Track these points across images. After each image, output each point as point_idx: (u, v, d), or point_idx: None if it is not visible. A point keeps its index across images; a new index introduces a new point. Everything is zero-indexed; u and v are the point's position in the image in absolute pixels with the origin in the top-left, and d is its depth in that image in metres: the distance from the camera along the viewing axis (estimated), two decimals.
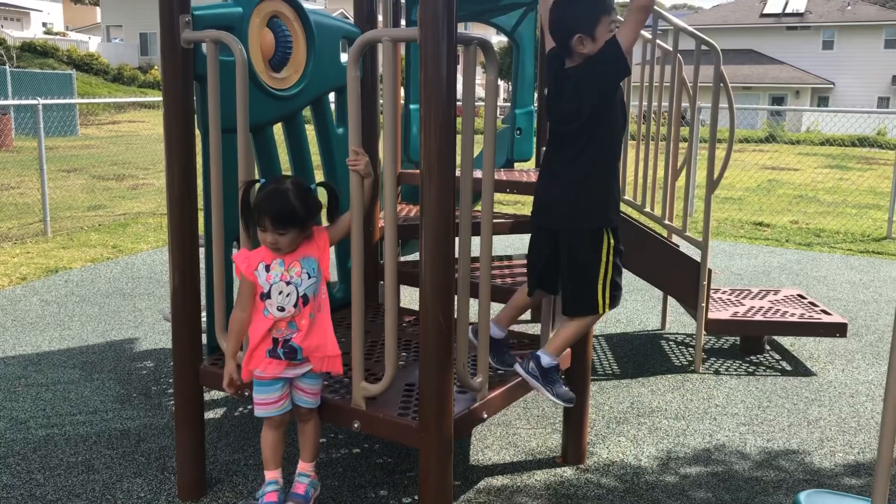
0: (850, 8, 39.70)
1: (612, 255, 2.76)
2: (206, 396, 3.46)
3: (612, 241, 2.75)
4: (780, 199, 12.06)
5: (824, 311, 4.71)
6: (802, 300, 4.96)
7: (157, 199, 10.56)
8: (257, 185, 2.68)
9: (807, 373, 4.52)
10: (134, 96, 30.54)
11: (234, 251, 3.07)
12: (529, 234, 2.98)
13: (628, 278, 6.36)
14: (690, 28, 4.40)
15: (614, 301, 2.80)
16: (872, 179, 14.31)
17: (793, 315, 4.58)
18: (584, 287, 2.77)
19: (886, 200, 9.84)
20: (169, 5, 2.70)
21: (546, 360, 2.82)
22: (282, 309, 2.57)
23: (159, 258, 7.14)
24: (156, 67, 38.07)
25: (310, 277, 2.60)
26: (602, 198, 2.75)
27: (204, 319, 3.05)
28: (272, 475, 2.75)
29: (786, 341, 5.03)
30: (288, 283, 2.57)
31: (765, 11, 41.92)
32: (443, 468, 2.48)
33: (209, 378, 2.95)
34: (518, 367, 2.87)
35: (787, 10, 41.32)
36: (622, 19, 2.65)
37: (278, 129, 3.30)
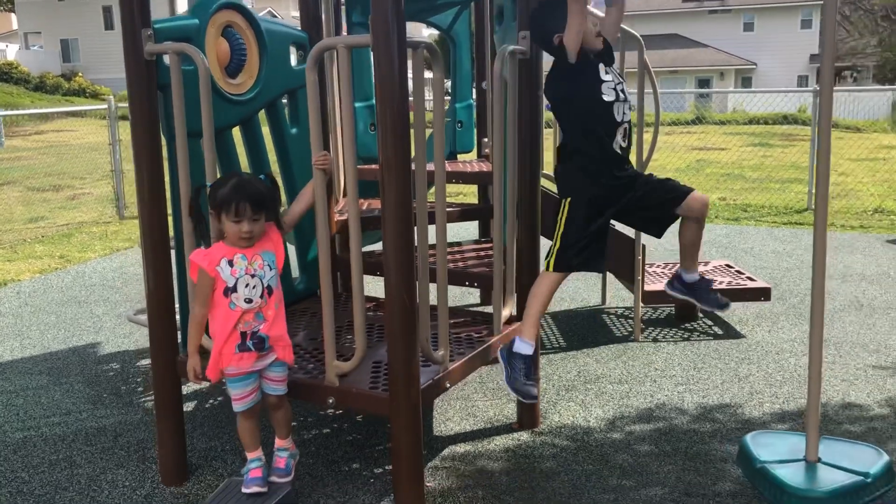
0: None
1: (564, 224, 3.04)
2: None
3: (564, 208, 3.05)
4: (708, 177, 12.61)
5: (749, 278, 5.11)
6: (730, 269, 5.36)
7: (99, 207, 10.50)
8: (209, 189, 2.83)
9: (737, 335, 4.91)
10: (60, 105, 29.77)
11: None
12: (477, 222, 3.26)
13: None
14: None
15: (558, 265, 3.06)
16: (794, 155, 15.02)
17: (721, 283, 4.96)
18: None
19: (807, 174, 10.43)
20: (131, 20, 2.87)
21: (517, 344, 3.07)
22: (249, 300, 2.73)
23: (109, 265, 7.19)
24: (80, 74, 37.18)
25: (271, 269, 2.78)
26: (569, 172, 3.08)
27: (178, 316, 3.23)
28: (254, 454, 2.95)
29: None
30: (253, 276, 2.73)
31: None
32: (413, 434, 2.73)
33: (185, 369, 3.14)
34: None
35: None
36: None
37: (236, 132, 3.49)
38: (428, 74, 8.54)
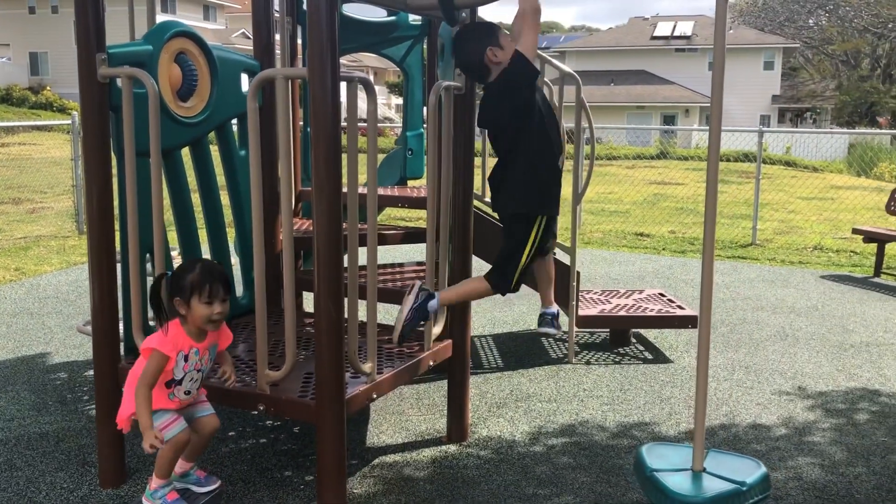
0: (731, 31, 42.30)
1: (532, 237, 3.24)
2: None
3: (539, 224, 3.24)
4: (662, 211, 13.00)
5: (679, 307, 5.38)
6: (662, 298, 5.63)
7: (58, 222, 10.55)
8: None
9: (665, 360, 5.16)
10: (26, 118, 29.60)
11: (148, 265, 3.43)
12: (423, 245, 3.48)
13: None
14: (555, 61, 5.00)
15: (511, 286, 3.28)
16: (748, 192, 15.52)
17: (652, 310, 5.22)
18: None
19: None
20: (86, 44, 3.06)
21: (432, 303, 3.32)
22: (188, 393, 2.93)
23: (65, 279, 7.27)
24: (49, 88, 36.99)
25: (211, 361, 2.96)
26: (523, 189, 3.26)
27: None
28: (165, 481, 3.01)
29: (650, 334, 5.68)
30: (199, 371, 2.91)
31: (655, 34, 44.24)
32: (337, 441, 2.90)
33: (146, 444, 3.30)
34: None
35: (676, 33, 43.75)
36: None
37: (186, 152, 3.68)
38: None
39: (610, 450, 3.79)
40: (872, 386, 4.72)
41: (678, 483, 2.77)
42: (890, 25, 42.07)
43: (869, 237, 8.09)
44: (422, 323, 3.41)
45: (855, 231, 8.39)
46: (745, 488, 2.77)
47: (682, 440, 3.93)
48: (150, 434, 2.73)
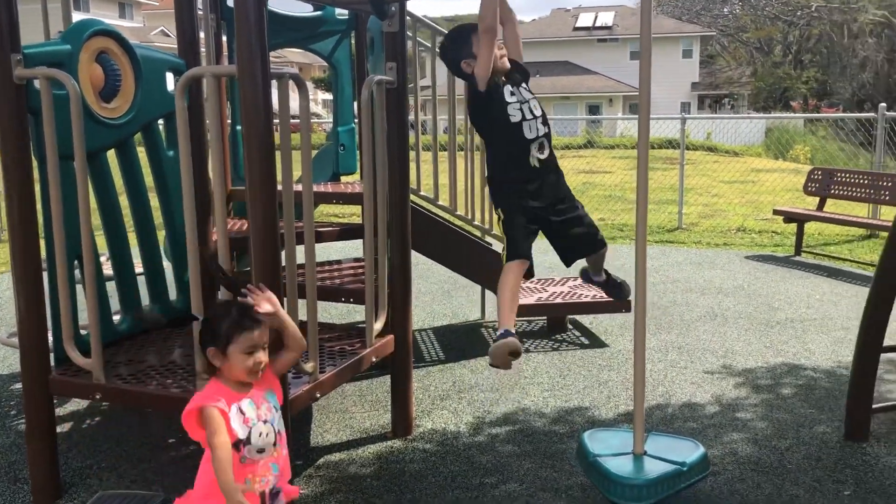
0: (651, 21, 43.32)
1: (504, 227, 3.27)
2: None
3: (500, 215, 3.29)
4: (591, 199, 13.22)
5: None
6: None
7: None
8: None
9: (601, 345, 5.27)
10: None
11: (77, 272, 3.32)
12: (360, 240, 3.46)
13: (452, 277, 6.97)
14: None
15: (510, 255, 3.24)
16: (673, 178, 15.92)
17: (587, 297, 5.32)
18: None
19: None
20: (0, 44, 2.93)
21: (502, 334, 3.16)
22: (262, 451, 2.33)
23: None
24: None
25: (277, 411, 2.42)
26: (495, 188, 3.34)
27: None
28: None
29: (586, 320, 5.79)
30: (265, 423, 2.35)
31: (577, 25, 44.91)
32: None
33: (58, 387, 3.19)
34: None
35: (597, 24, 44.50)
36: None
37: (112, 155, 3.57)
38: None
39: (552, 435, 3.85)
40: (798, 360, 4.92)
41: (620, 466, 2.83)
42: (799, 13, 43.72)
43: (789, 217, 8.42)
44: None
45: (776, 212, 8.72)
46: (685, 468, 2.86)
47: (621, 422, 4.02)
48: (235, 495, 2.19)
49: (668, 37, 42.16)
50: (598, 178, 16.63)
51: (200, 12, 4.40)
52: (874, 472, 3.41)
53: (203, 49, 4.36)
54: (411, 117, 5.04)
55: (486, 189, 5.23)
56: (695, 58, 43.29)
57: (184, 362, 3.40)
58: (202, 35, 4.42)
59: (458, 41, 3.28)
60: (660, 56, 41.85)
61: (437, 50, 3.43)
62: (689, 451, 2.98)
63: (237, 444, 2.28)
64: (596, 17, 44.88)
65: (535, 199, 3.24)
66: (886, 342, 3.71)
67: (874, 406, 3.78)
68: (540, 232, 3.34)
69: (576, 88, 41.12)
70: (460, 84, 5.10)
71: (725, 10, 50.27)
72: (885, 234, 8.24)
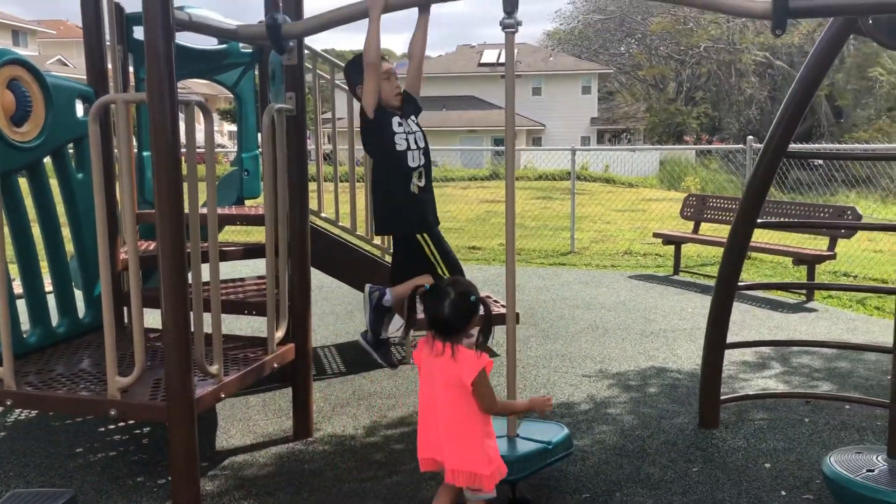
0: (552, 59, 45.07)
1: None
2: None
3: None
4: (493, 226, 13.80)
5: (503, 306, 5.93)
6: (489, 298, 6.17)
7: None
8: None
9: (493, 355, 5.68)
10: None
11: None
12: (264, 259, 3.75)
13: (356, 298, 7.26)
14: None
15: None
16: (569, 206, 16.74)
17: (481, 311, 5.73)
18: None
19: (576, 223, 11.79)
20: None
21: (387, 296, 3.58)
22: None
23: None
24: None
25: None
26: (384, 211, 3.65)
27: None
28: None
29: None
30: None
31: (482, 61, 46.21)
32: (189, 438, 3.12)
33: None
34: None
35: (501, 60, 45.91)
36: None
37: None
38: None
39: None
40: (666, 364, 5.46)
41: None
42: (689, 53, 46.31)
43: (667, 240, 9.13)
44: (387, 318, 3.66)
45: (655, 235, 9.43)
46: (550, 446, 3.28)
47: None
48: (537, 401, 2.95)
49: (567, 74, 43.91)
50: (500, 206, 17.26)
51: (108, 43, 4.64)
52: (720, 453, 3.92)
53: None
54: (313, 145, 5.37)
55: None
56: (594, 94, 45.16)
57: (94, 369, 3.60)
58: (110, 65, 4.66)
59: (355, 68, 3.65)
60: (560, 92, 43.57)
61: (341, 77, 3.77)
62: (554, 433, 3.41)
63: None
64: (499, 54, 46.30)
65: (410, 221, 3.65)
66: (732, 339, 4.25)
67: (723, 398, 4.31)
68: None
69: (482, 122, 42.20)
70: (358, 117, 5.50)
71: (622, 48, 52.73)
72: (754, 253, 9.07)
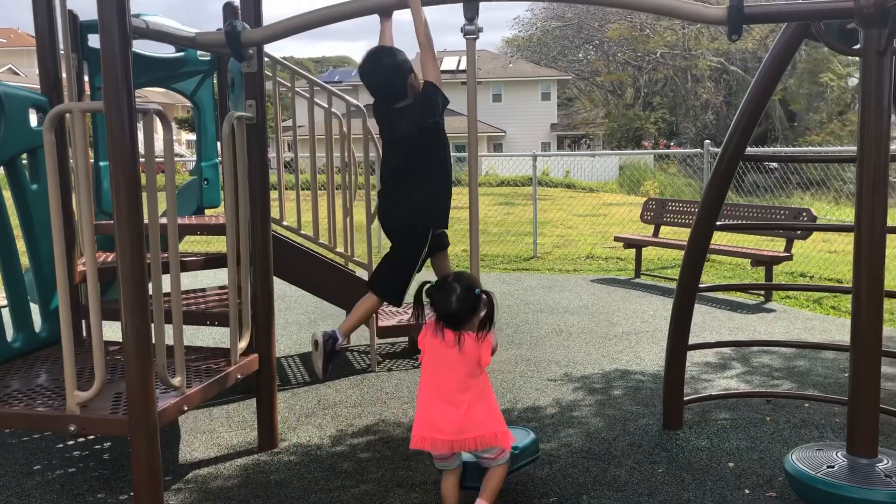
0: (511, 66, 45.36)
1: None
2: None
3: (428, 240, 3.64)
4: (456, 232, 13.73)
5: None
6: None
7: None
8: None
9: None
10: None
11: None
12: (226, 269, 3.70)
13: (320, 307, 7.23)
14: (344, 94, 5.42)
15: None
16: (531, 212, 16.85)
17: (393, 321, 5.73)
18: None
19: (538, 228, 11.88)
20: None
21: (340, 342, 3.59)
22: None
23: None
24: None
25: None
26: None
27: None
28: None
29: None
30: None
31: (442, 68, 46.27)
32: (152, 452, 3.06)
33: None
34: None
35: (461, 67, 46.07)
36: None
37: None
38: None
39: (409, 441, 4.18)
40: (629, 367, 5.51)
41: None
42: (647, 59, 46.97)
43: (628, 243, 9.23)
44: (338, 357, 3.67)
45: (616, 239, 9.53)
46: (517, 451, 3.30)
47: None
48: None
49: (527, 80, 44.22)
50: (461, 213, 17.25)
51: (62, 52, 4.56)
52: (684, 453, 3.96)
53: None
54: (283, 154, 5.33)
55: (349, 219, 5.59)
56: (553, 100, 45.56)
57: (52, 384, 3.52)
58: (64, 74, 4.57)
59: (400, 59, 3.57)
60: (519, 98, 43.86)
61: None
62: (521, 438, 3.42)
63: None
64: (459, 61, 46.49)
65: None
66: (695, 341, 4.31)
67: (686, 398, 4.36)
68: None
69: None
70: (319, 124, 5.47)
71: (580, 55, 53.27)
72: (713, 255, 9.22)
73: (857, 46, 3.14)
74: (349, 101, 5.37)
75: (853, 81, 37.53)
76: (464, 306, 3.09)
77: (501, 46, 55.48)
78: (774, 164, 14.80)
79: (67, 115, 3.46)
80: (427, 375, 3.16)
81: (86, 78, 4.86)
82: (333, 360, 3.62)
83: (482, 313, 3.14)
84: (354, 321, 3.75)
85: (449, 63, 46.49)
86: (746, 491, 3.52)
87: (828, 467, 3.14)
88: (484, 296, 3.13)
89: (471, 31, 3.40)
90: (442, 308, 3.11)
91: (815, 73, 36.17)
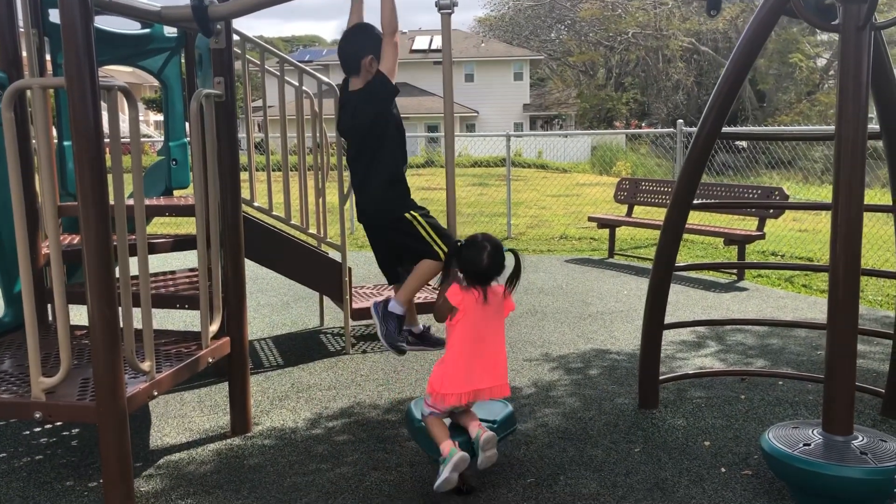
0: (483, 45, 45.14)
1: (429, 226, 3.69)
2: None
3: (417, 215, 3.68)
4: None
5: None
6: (428, 286, 6.11)
7: None
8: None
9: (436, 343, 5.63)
10: None
11: None
12: (195, 251, 3.61)
13: (293, 289, 7.15)
14: (316, 73, 5.31)
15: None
16: (505, 193, 16.82)
17: (419, 298, 5.68)
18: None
19: (512, 208, 11.85)
20: None
21: (392, 304, 3.68)
22: None
23: None
24: None
25: None
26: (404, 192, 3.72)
27: None
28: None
29: (422, 320, 6.14)
30: None
31: (413, 48, 45.97)
32: (121, 438, 2.99)
33: None
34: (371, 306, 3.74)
35: (433, 47, 45.76)
36: None
37: None
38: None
39: (385, 423, 4.16)
40: (605, 346, 5.51)
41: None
42: (619, 39, 46.99)
43: (602, 223, 9.24)
44: (403, 327, 3.83)
45: (590, 219, 9.53)
46: (496, 425, 3.32)
47: None
48: None
49: (499, 60, 44.06)
50: (435, 194, 17.19)
51: (22, 27, 4.40)
52: (660, 432, 3.96)
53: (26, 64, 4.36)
54: (254, 135, 5.22)
55: (350, 200, 5.50)
56: (525, 80, 45.47)
57: (16, 371, 3.42)
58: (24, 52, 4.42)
59: (364, 38, 3.64)
60: (492, 79, 43.70)
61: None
62: (499, 411, 3.44)
63: None
64: (431, 41, 46.16)
65: None
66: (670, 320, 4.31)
67: (662, 377, 4.36)
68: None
69: (416, 109, 42.01)
70: (290, 103, 5.36)
71: (552, 34, 53.16)
72: (686, 234, 9.27)
73: (836, 22, 3.12)
74: (321, 80, 5.27)
75: (822, 62, 37.92)
76: (495, 262, 3.22)
77: (474, 26, 55.12)
78: (744, 144, 14.89)
79: (28, 91, 3.33)
80: (465, 332, 3.24)
81: (47, 57, 4.71)
82: (394, 330, 3.77)
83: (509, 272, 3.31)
84: (410, 289, 3.84)
85: (421, 42, 46.19)
86: (723, 469, 3.53)
87: (804, 445, 3.15)
88: (510, 254, 3.29)
89: (445, 6, 3.33)
90: (472, 266, 3.22)
91: (785, 54, 36.44)
